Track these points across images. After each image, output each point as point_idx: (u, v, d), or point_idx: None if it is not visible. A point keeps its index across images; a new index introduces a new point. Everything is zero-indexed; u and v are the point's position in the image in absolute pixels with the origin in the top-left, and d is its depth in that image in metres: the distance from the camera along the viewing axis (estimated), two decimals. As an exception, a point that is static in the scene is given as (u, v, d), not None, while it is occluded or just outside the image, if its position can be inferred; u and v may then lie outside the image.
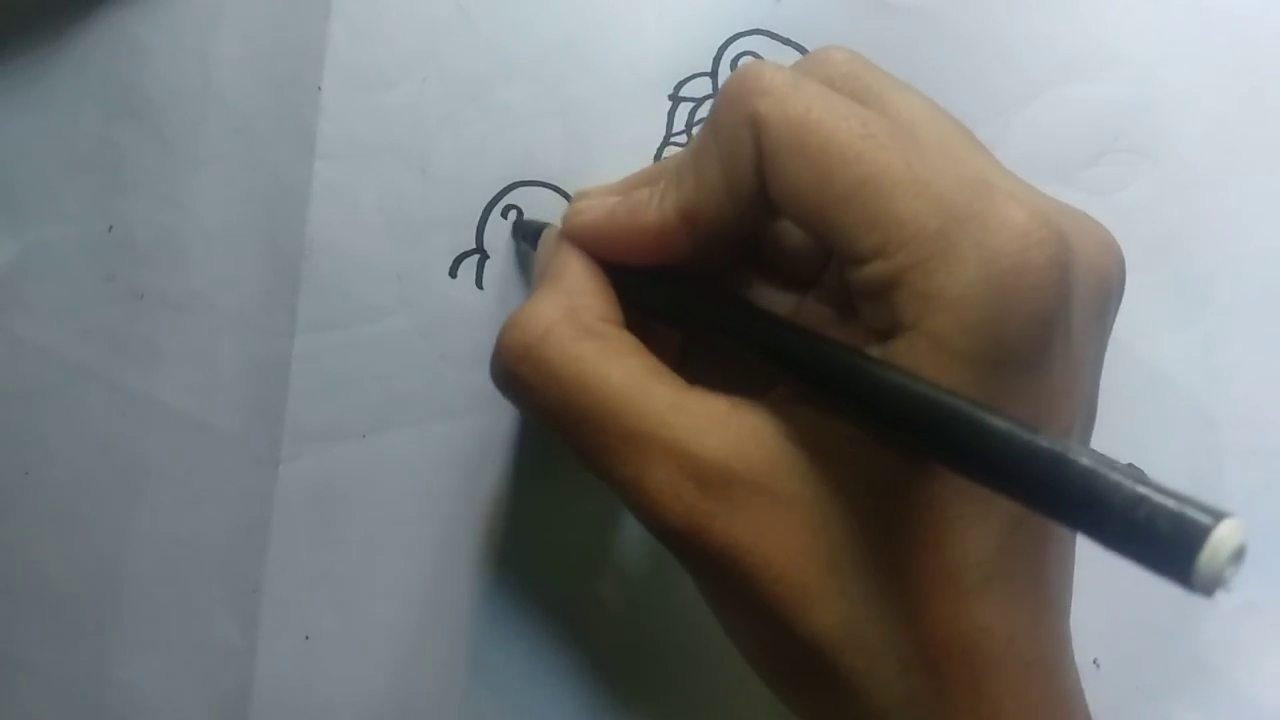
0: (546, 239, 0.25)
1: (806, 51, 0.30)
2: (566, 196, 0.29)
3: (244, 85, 0.28)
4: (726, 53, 0.29)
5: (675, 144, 0.29)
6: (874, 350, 0.19)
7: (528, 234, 0.28)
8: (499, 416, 0.29)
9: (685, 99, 0.29)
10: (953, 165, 0.19)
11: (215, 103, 0.28)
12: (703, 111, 0.29)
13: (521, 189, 0.29)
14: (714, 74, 0.29)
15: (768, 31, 0.30)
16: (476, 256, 0.29)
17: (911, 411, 0.17)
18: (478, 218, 0.29)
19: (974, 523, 0.19)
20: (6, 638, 0.28)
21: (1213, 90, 0.30)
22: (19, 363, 0.28)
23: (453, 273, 0.29)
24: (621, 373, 0.20)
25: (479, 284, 0.29)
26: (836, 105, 0.19)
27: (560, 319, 0.21)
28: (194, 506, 0.28)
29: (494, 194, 0.29)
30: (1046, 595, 0.20)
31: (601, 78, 0.29)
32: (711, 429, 0.20)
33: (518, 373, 0.21)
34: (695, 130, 0.29)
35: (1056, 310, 0.18)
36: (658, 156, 0.29)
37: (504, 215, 0.29)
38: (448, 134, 0.28)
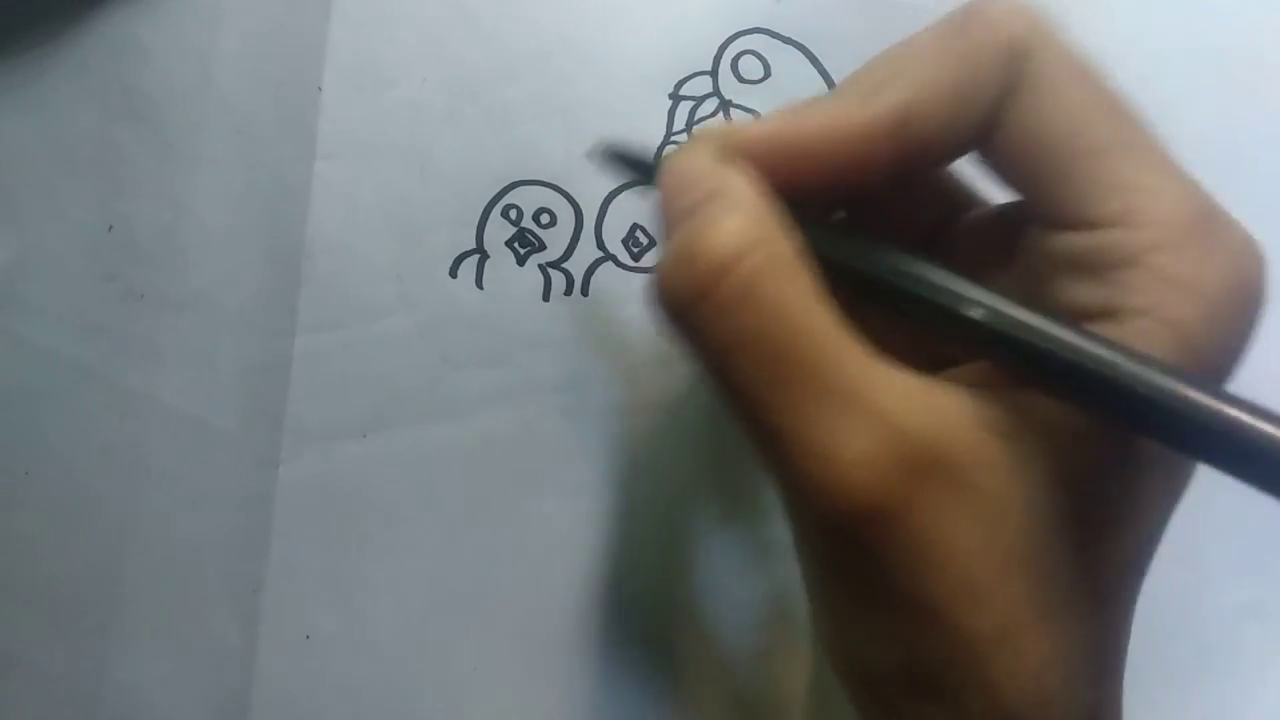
0: (690, 159, 0.19)
1: (808, 50, 0.30)
2: (567, 195, 0.29)
3: (244, 85, 0.28)
4: (726, 52, 0.29)
5: (675, 143, 0.29)
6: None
7: (633, 163, 0.24)
8: (499, 416, 0.29)
9: (685, 98, 0.29)
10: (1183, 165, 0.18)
11: (215, 103, 0.28)
12: (703, 110, 0.29)
13: (521, 188, 0.29)
14: (714, 73, 0.29)
15: (768, 30, 0.30)
16: (476, 256, 0.29)
17: (1176, 412, 0.16)
18: (478, 217, 0.29)
19: (1131, 525, 0.18)
20: (6, 637, 0.28)
21: (1213, 90, 0.30)
22: (19, 363, 0.28)
23: (453, 273, 0.29)
24: (826, 320, 0.17)
25: (479, 284, 0.29)
26: (1092, 67, 0.18)
27: (768, 240, 0.18)
28: (194, 506, 0.28)
29: (494, 193, 0.29)
30: (1128, 627, 0.20)
31: (602, 77, 0.29)
32: (914, 405, 0.17)
33: (712, 290, 0.17)
34: (695, 128, 0.29)
35: (1253, 333, 0.18)
36: (658, 157, 0.29)
37: (504, 215, 0.29)
38: (448, 133, 0.28)
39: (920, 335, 0.19)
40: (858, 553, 0.18)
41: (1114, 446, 0.18)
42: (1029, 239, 0.20)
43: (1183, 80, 0.30)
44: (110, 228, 0.28)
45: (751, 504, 0.29)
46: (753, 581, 0.29)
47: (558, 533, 0.29)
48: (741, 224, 0.18)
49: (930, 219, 0.23)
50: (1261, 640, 0.30)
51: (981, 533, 0.17)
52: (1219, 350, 0.17)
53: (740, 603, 0.29)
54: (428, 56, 0.28)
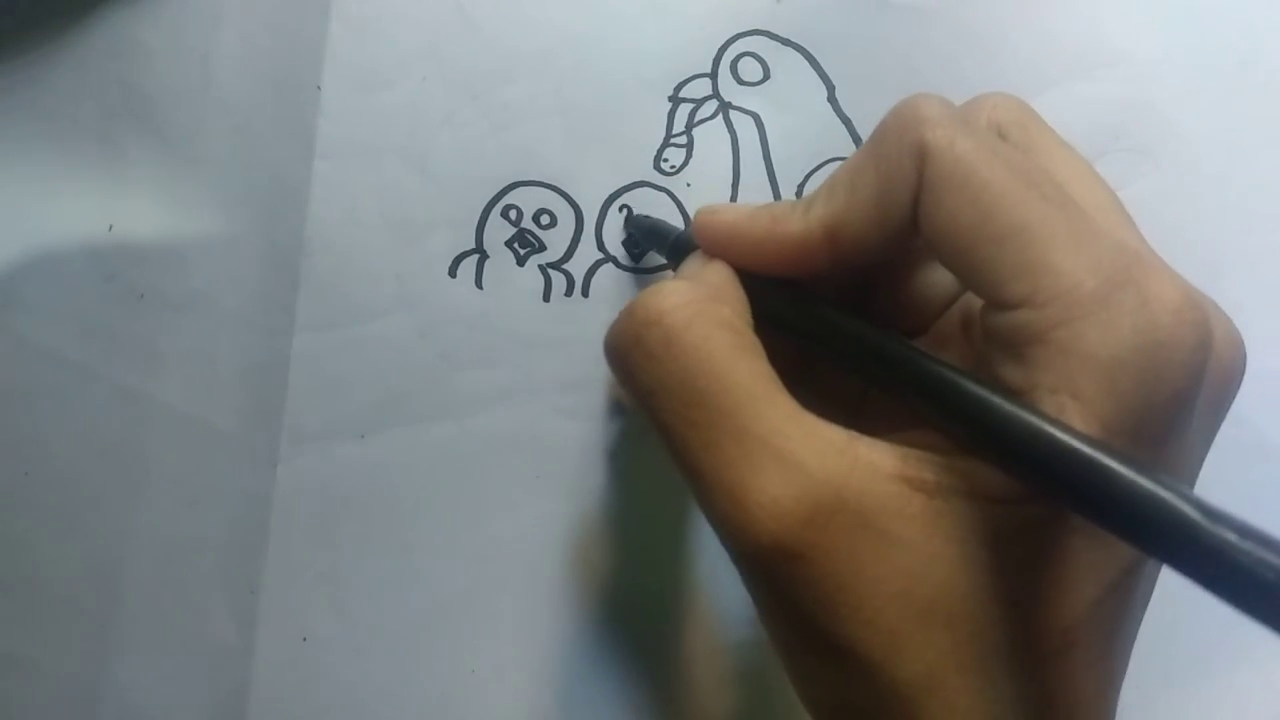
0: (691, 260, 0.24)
1: (807, 52, 0.30)
2: (567, 196, 0.29)
3: (244, 85, 0.28)
4: (726, 53, 0.29)
5: (675, 144, 0.29)
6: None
7: (644, 232, 0.28)
8: (499, 416, 0.29)
9: (685, 100, 0.29)
10: (1109, 230, 0.19)
11: (215, 103, 0.28)
12: (703, 112, 0.29)
13: (521, 189, 0.29)
14: (714, 75, 0.29)
15: (768, 32, 0.30)
16: (476, 256, 0.29)
17: (1076, 472, 0.16)
18: (478, 218, 0.29)
19: (1070, 588, 0.18)
20: (6, 637, 0.28)
21: (1213, 90, 0.30)
22: (19, 363, 0.28)
23: (453, 273, 0.29)
24: (749, 371, 0.19)
25: (479, 284, 0.29)
26: (1003, 149, 0.19)
27: (699, 300, 0.20)
28: (193, 506, 0.28)
29: (494, 194, 0.29)
30: (1114, 668, 0.20)
31: (601, 78, 0.29)
32: (829, 452, 0.18)
33: (643, 336, 0.20)
34: (695, 130, 0.29)
35: (1194, 393, 0.18)
36: (658, 157, 0.29)
37: (504, 215, 0.29)
38: (448, 134, 0.28)
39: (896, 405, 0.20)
40: (776, 591, 0.19)
41: (1042, 511, 0.18)
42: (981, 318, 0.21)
43: (1183, 80, 0.30)
44: (110, 228, 0.28)
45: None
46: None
47: (558, 533, 0.29)
48: (680, 288, 0.20)
49: (931, 298, 0.24)
50: (1261, 640, 0.30)
51: (898, 581, 0.18)
52: (1131, 416, 0.17)
53: (740, 603, 0.29)
54: (427, 56, 0.28)
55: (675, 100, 0.29)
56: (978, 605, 0.18)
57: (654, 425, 0.20)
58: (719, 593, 0.29)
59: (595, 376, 0.29)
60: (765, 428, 0.19)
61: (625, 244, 0.29)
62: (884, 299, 0.24)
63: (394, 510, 0.29)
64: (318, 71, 0.28)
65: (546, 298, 0.29)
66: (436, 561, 0.29)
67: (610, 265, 0.29)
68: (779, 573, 0.18)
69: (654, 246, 0.28)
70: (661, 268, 0.29)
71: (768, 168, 0.30)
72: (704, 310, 0.20)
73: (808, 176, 0.30)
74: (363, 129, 0.28)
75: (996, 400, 0.17)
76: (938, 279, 0.24)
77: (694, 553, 0.29)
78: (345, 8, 0.28)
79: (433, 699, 0.29)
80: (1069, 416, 0.17)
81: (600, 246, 0.29)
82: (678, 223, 0.29)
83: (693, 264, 0.23)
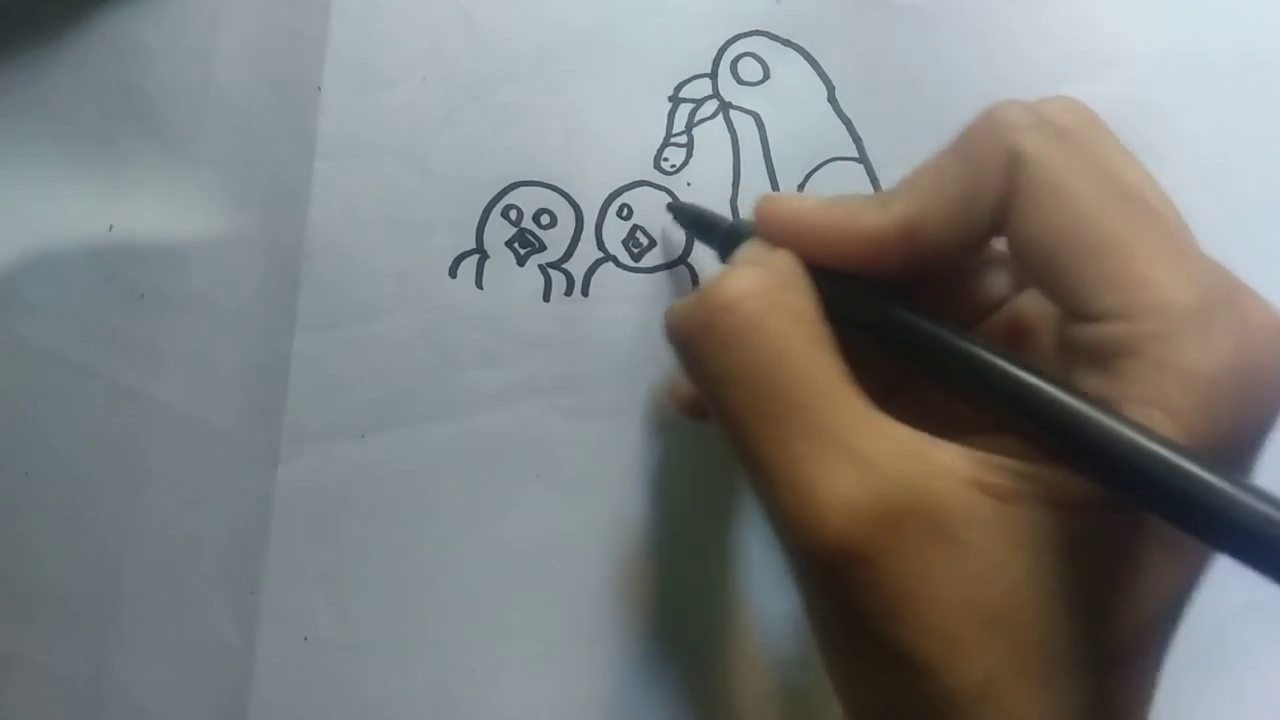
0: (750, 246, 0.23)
1: (807, 52, 0.30)
2: (567, 196, 0.29)
3: (244, 85, 0.28)
4: (726, 54, 0.29)
5: (675, 144, 0.29)
6: None
7: (689, 219, 0.27)
8: (499, 416, 0.29)
9: (685, 100, 0.29)
10: (1198, 247, 0.19)
11: (215, 103, 0.28)
12: (703, 112, 0.29)
13: (521, 189, 0.29)
14: (714, 75, 0.29)
15: (767, 32, 0.30)
16: (476, 256, 0.29)
17: (1185, 487, 0.16)
18: (478, 218, 0.29)
19: (1136, 600, 0.18)
20: (6, 637, 0.28)
21: (1213, 90, 0.30)
22: (19, 363, 0.28)
23: (453, 273, 0.29)
24: (826, 366, 0.19)
25: (479, 284, 0.29)
26: (1098, 161, 0.19)
27: (776, 290, 0.19)
28: (193, 506, 0.28)
29: (494, 194, 0.29)
30: (1156, 681, 0.20)
31: (602, 78, 0.29)
32: (902, 454, 0.18)
33: (716, 323, 0.19)
34: (695, 130, 0.29)
35: (1275, 411, 0.18)
36: (658, 157, 0.29)
37: (504, 215, 0.29)
38: (448, 134, 0.28)
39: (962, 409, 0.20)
40: (837, 594, 0.18)
41: (1119, 520, 0.18)
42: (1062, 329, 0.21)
43: (1183, 80, 0.30)
44: (110, 228, 0.28)
45: (751, 504, 0.29)
46: (752, 581, 0.29)
47: (557, 533, 0.29)
48: (755, 274, 0.20)
49: (979, 302, 0.23)
50: (1261, 640, 0.30)
51: (965, 588, 0.18)
52: (1223, 435, 0.17)
53: (740, 602, 0.29)
54: (427, 56, 0.28)
55: (675, 100, 0.29)
56: (1043, 614, 0.18)
57: (718, 415, 0.19)
58: (719, 593, 0.29)
59: (595, 376, 0.29)
60: (840, 425, 0.18)
61: (626, 242, 0.29)
62: (930, 300, 0.23)
63: (394, 510, 0.29)
64: (318, 71, 0.28)
65: (546, 297, 0.29)
66: (437, 561, 0.29)
67: (610, 265, 0.29)
68: (843, 574, 0.18)
69: (701, 236, 0.27)
70: (662, 267, 0.29)
71: (768, 167, 0.30)
72: (781, 300, 0.19)
73: (808, 176, 0.30)
74: (363, 129, 0.28)
75: (1096, 411, 0.17)
76: (986, 284, 0.23)
77: (694, 552, 0.29)
78: (345, 8, 0.28)
79: (433, 699, 0.29)
80: (1161, 430, 0.17)
81: (600, 246, 0.29)
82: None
83: (753, 250, 0.22)
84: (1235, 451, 0.17)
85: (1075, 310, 0.18)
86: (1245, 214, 0.30)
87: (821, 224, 0.21)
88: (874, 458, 0.18)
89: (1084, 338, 0.18)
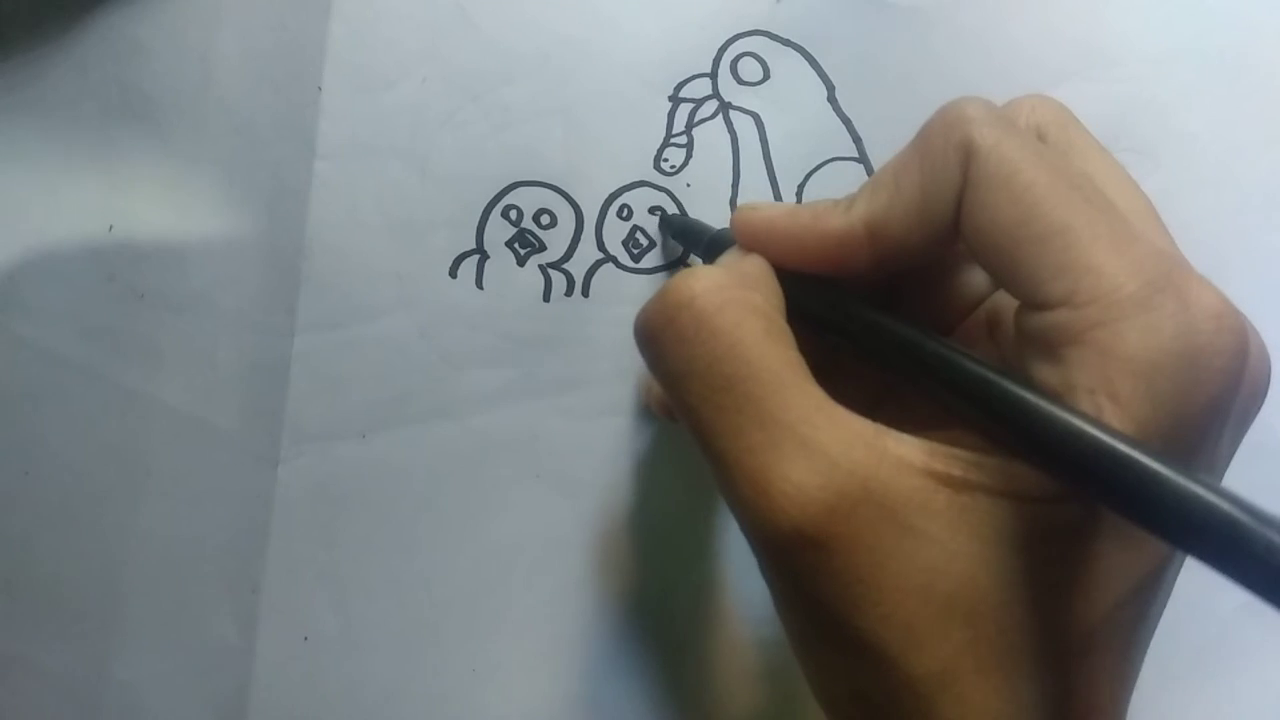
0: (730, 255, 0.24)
1: (807, 52, 0.30)
2: (567, 196, 0.29)
3: (244, 85, 0.28)
4: (726, 53, 0.29)
5: (675, 144, 0.29)
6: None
7: (679, 231, 0.28)
8: (499, 416, 0.29)
9: (685, 100, 0.29)
10: (1149, 234, 0.19)
11: (215, 103, 0.28)
12: (703, 112, 0.29)
13: (521, 189, 0.29)
14: (714, 75, 0.29)
15: (767, 32, 0.30)
16: (476, 256, 0.29)
17: (1122, 473, 0.16)
18: (478, 218, 0.29)
19: (1094, 591, 0.18)
20: (7, 637, 0.28)
21: (1213, 90, 0.30)
22: (19, 363, 0.28)
23: (453, 273, 0.29)
24: (780, 358, 0.19)
25: (479, 284, 0.29)
26: (1047, 151, 0.19)
27: (732, 286, 0.20)
28: (193, 506, 0.28)
29: (494, 194, 0.29)
30: (1129, 672, 0.20)
31: (601, 78, 0.29)
32: (856, 443, 0.18)
33: (674, 318, 0.20)
34: (695, 130, 0.29)
35: (1230, 400, 0.18)
36: (658, 157, 0.29)
37: (504, 215, 0.29)
38: (448, 134, 0.28)
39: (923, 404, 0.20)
40: (795, 580, 0.19)
41: (1075, 512, 0.18)
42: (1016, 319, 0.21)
43: (1183, 80, 0.30)
44: (110, 228, 0.28)
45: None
46: (752, 581, 0.29)
47: (557, 533, 0.29)
48: (714, 273, 0.20)
49: (959, 300, 0.24)
50: (1261, 640, 0.30)
51: (921, 576, 0.18)
52: (1168, 419, 0.17)
53: (740, 602, 0.29)
54: (427, 57, 0.28)
55: (675, 100, 0.29)
56: (999, 604, 0.18)
57: (679, 409, 0.20)
58: (718, 592, 0.29)
59: (595, 376, 0.29)
60: (793, 415, 0.18)
61: (626, 243, 0.29)
62: (911, 299, 0.24)
63: (394, 510, 0.29)
64: (318, 72, 0.28)
65: (546, 298, 0.29)
66: (437, 561, 0.29)
67: (610, 265, 0.29)
68: (799, 562, 0.18)
69: (690, 246, 0.28)
70: (662, 268, 0.29)
71: (768, 167, 0.30)
72: (737, 295, 0.20)
73: (808, 176, 0.30)
74: (363, 129, 0.28)
75: (1042, 401, 0.17)
76: (966, 281, 0.23)
77: (694, 552, 0.29)
78: (345, 8, 0.28)
79: (433, 699, 0.29)
80: (1106, 417, 0.17)
81: (600, 246, 0.29)
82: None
83: (728, 257, 0.23)
84: (1184, 437, 0.17)
85: (1026, 299, 0.19)
86: (1245, 214, 0.30)
87: (790, 229, 0.22)
88: (826, 447, 0.18)
89: (1035, 326, 0.18)
